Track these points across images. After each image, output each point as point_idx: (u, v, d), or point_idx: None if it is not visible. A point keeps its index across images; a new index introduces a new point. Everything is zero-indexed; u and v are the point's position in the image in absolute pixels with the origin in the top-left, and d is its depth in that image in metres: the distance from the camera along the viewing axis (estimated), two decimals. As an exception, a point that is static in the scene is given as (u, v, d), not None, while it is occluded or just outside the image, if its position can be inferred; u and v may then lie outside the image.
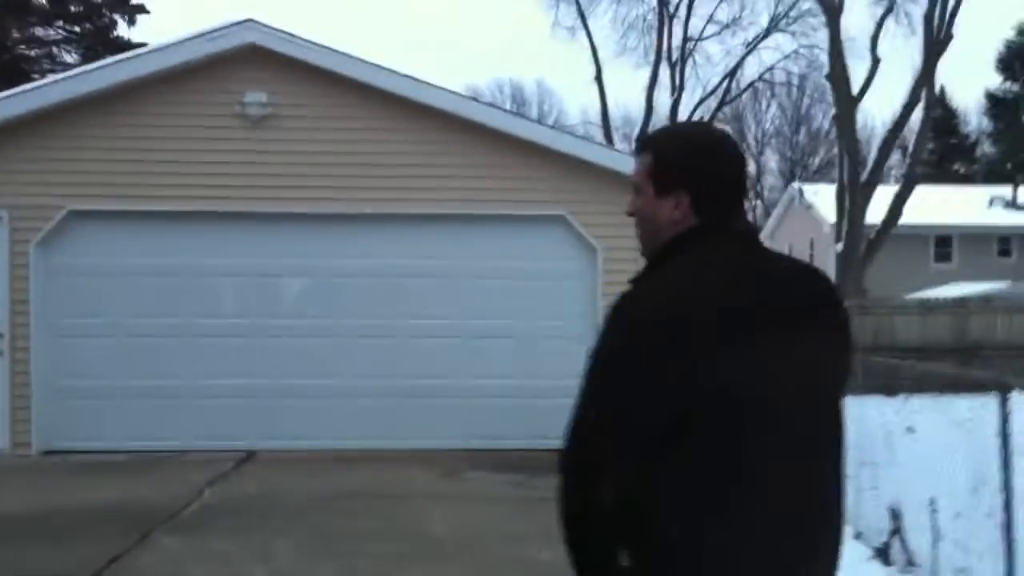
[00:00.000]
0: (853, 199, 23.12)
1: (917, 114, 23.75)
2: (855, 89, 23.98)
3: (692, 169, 2.04)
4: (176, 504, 7.54)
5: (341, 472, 9.06)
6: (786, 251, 32.05)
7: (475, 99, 10.24)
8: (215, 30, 9.98)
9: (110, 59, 10.55)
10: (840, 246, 23.60)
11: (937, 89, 23.08)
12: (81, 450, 9.71)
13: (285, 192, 10.01)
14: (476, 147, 10.11)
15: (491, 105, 10.22)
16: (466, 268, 10.19)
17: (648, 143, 2.15)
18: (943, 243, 33.08)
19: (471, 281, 10.19)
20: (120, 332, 10.02)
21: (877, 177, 23.96)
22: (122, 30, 29.37)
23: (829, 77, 23.93)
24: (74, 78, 10.10)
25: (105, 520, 7.11)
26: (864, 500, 6.86)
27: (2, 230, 9.80)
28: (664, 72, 33.94)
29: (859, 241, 23.06)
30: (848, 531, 6.99)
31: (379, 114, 10.15)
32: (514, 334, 10.20)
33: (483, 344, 10.18)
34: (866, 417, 8.08)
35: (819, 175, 46.46)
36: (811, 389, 1.94)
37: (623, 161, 9.99)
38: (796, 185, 37.70)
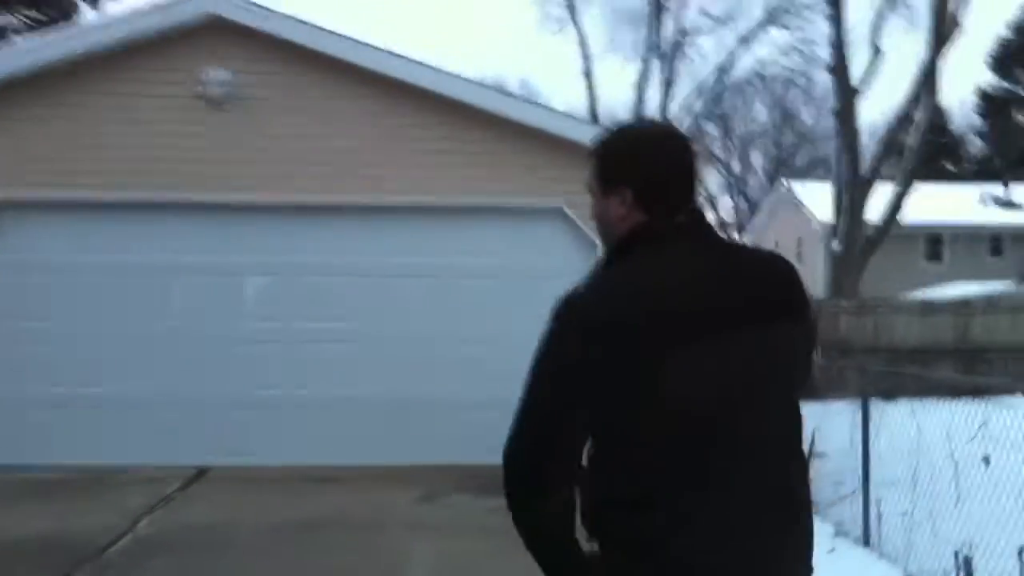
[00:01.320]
0: (852, 196, 22.17)
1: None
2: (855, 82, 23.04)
3: (632, 164, 2.05)
4: (105, 537, 6.42)
5: (305, 495, 7.98)
6: (773, 249, 31.35)
7: (461, 76, 9.10)
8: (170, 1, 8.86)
9: (50, 35, 9.40)
10: (837, 244, 22.65)
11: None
12: (24, 465, 8.57)
13: (249, 181, 8.88)
14: (464, 131, 9.02)
15: (480, 84, 9.09)
16: (453, 266, 9.08)
17: (595, 146, 2.14)
18: (934, 242, 32.32)
19: (458, 280, 9.09)
20: (63, 337, 8.89)
21: (876, 174, 22.99)
22: (89, 15, 28.03)
23: (831, 68, 22.93)
24: (8, 54, 8.92)
25: (18, 560, 6.00)
26: (920, 536, 5.86)
27: (-76, 219, 8.67)
28: (655, 68, 32.94)
29: (857, 240, 22.11)
30: (897, 573, 6.04)
31: (357, 94, 9.04)
32: (505, 339, 9.10)
33: (471, 350, 9.09)
34: (924, 438, 7.13)
35: (803, 175, 45.52)
36: (763, 387, 1.91)
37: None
38: (784, 182, 36.83)
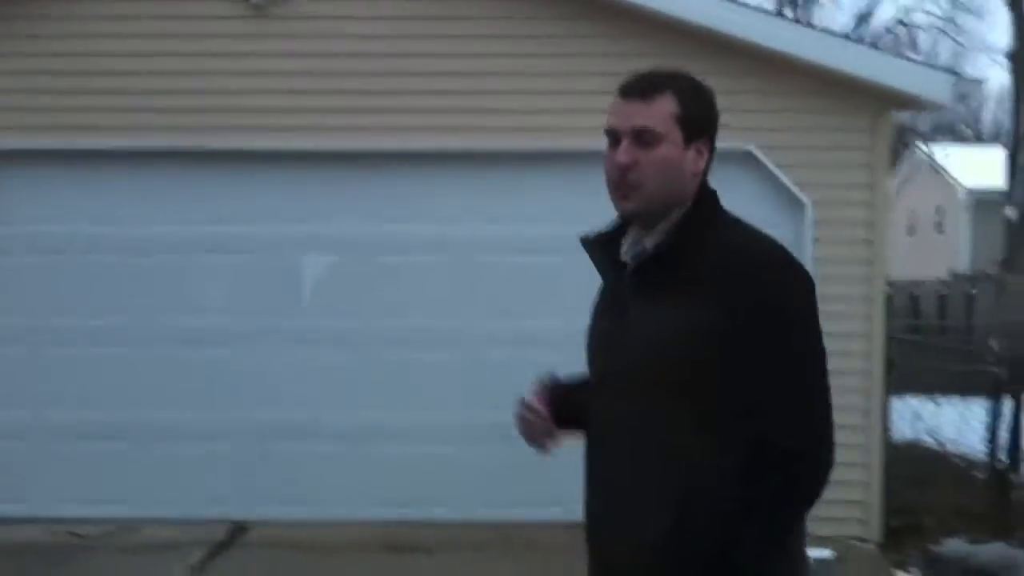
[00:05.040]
0: (1030, 156, 18.92)
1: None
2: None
3: (715, 117, 2.02)
4: None
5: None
6: (906, 219, 27.73)
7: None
8: None
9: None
10: (1011, 211, 19.44)
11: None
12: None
13: (307, 118, 6.29)
14: (614, 38, 6.23)
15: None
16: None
17: (664, 86, 1.97)
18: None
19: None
20: (42, 338, 6.48)
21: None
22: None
23: (1009, 2, 19.65)
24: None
25: None
26: None
27: None
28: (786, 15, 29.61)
29: (1036, 207, 18.88)
30: None
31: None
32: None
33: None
34: None
35: (927, 140, 41.84)
36: None
37: (866, 62, 6.15)
38: (923, 146, 33.46)
